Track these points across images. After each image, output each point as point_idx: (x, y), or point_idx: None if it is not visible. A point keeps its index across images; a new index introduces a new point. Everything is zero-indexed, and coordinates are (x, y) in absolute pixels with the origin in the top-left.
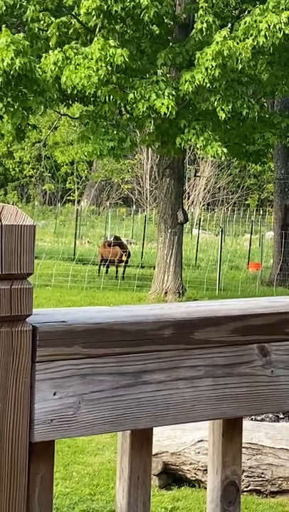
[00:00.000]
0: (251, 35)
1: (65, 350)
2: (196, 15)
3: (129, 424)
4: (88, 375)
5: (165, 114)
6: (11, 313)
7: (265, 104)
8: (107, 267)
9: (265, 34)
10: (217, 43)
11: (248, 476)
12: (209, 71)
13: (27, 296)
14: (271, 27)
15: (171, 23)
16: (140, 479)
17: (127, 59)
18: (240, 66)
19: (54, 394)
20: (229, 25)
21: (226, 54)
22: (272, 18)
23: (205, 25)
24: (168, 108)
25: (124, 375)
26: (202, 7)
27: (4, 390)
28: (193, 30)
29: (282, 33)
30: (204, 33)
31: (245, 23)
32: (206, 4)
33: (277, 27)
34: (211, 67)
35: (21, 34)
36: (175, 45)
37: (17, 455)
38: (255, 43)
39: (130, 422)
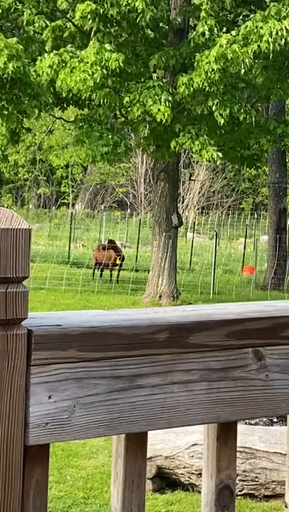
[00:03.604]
0: (252, 40)
1: (60, 354)
2: (191, 19)
3: (124, 427)
4: (83, 379)
5: (161, 120)
6: (6, 317)
7: (259, 108)
8: (102, 270)
9: (268, 40)
10: (221, 45)
11: (241, 480)
12: (209, 74)
13: (22, 300)
14: (274, 33)
15: (166, 27)
16: (135, 483)
17: (121, 63)
18: (243, 71)
19: (49, 397)
20: (225, 29)
21: (229, 57)
22: (275, 24)
23: (206, 27)
24: (164, 115)
25: (119, 378)
26: (204, 9)
27: None
28: (194, 33)
29: (283, 40)
30: (206, 36)
31: (246, 27)
32: (207, 6)
33: (280, 34)
34: (211, 70)
35: (14, 38)
36: (169, 48)
37: (12, 458)
38: (257, 48)
39: (125, 425)
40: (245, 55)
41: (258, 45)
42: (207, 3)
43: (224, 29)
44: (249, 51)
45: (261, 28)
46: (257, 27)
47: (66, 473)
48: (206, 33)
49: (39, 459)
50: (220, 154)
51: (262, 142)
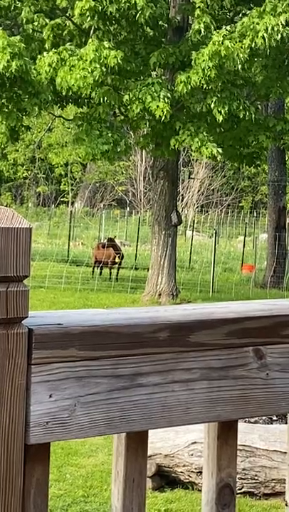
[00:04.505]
0: (248, 36)
1: (60, 353)
2: (190, 17)
3: (125, 426)
4: (84, 378)
5: (160, 116)
6: (7, 316)
7: (259, 106)
8: (101, 268)
9: (263, 36)
10: (214, 43)
11: (241, 478)
12: (206, 71)
13: (23, 299)
14: (269, 29)
15: (166, 25)
16: (135, 482)
17: (120, 61)
18: (239, 66)
19: (50, 396)
20: (224, 27)
21: (223, 54)
22: (271, 20)
23: (202, 25)
24: (163, 111)
25: (120, 377)
26: (199, 7)
27: (0, 392)
28: (190, 31)
29: (280, 35)
30: (202, 34)
31: (242, 24)
32: (203, 4)
33: (275, 29)
34: (207, 67)
35: (17, 37)
36: (168, 46)
37: (12, 457)
38: (253, 44)
39: (126, 424)
40: (239, 50)
41: (254, 42)
42: (204, 1)
43: (223, 27)
44: (243, 46)
45: (257, 23)
46: (253, 23)
47: (66, 472)
48: (202, 30)
49: (40, 458)
50: (220, 150)
51: (261, 139)
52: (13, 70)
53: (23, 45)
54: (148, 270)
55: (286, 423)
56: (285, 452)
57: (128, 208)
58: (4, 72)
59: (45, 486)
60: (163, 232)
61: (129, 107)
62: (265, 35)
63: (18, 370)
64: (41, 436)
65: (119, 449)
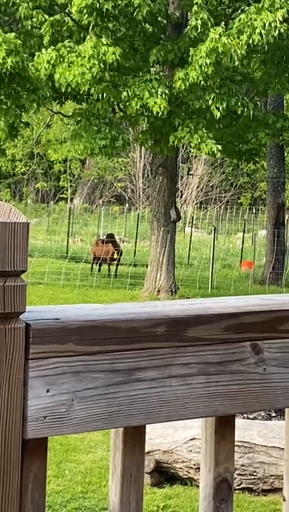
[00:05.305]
0: (246, 33)
1: (58, 348)
2: (189, 13)
3: (122, 421)
4: (81, 373)
5: (157, 113)
6: (4, 310)
7: (258, 103)
8: (100, 265)
9: (261, 32)
10: (211, 39)
11: (240, 474)
12: (203, 68)
13: (20, 294)
14: (266, 25)
15: (164, 21)
16: (133, 477)
17: (118, 57)
18: (237, 62)
19: (47, 391)
20: (223, 23)
21: (220, 51)
22: (268, 16)
23: (199, 21)
24: (160, 107)
25: (117, 372)
26: (197, 3)
27: None
28: (188, 27)
29: (277, 31)
30: (199, 30)
31: (239, 20)
32: (201, 1)
33: (273, 25)
34: (204, 64)
35: (13, 34)
36: (167, 42)
37: (10, 452)
38: (250, 41)
39: (123, 419)
40: (236, 46)
41: (252, 38)
42: None
43: (222, 23)
44: (240, 42)
45: (255, 20)
46: (251, 19)
47: (65, 468)
48: (199, 26)
49: (37, 453)
50: (219, 147)
51: (260, 136)
52: (8, 67)
53: (19, 41)
54: (147, 267)
55: (284, 419)
56: (284, 448)
57: (127, 205)
58: (1, 69)
59: (42, 480)
60: (162, 229)
61: (127, 104)
62: (262, 31)
63: (16, 365)
64: (39, 431)
65: (117, 444)
